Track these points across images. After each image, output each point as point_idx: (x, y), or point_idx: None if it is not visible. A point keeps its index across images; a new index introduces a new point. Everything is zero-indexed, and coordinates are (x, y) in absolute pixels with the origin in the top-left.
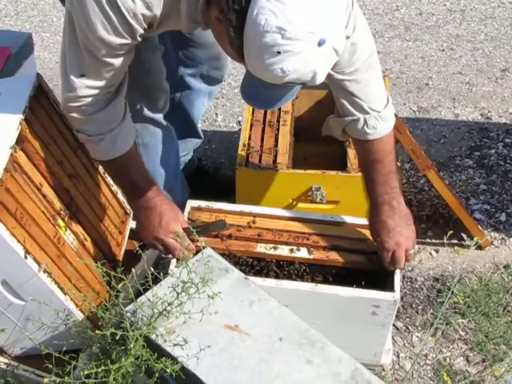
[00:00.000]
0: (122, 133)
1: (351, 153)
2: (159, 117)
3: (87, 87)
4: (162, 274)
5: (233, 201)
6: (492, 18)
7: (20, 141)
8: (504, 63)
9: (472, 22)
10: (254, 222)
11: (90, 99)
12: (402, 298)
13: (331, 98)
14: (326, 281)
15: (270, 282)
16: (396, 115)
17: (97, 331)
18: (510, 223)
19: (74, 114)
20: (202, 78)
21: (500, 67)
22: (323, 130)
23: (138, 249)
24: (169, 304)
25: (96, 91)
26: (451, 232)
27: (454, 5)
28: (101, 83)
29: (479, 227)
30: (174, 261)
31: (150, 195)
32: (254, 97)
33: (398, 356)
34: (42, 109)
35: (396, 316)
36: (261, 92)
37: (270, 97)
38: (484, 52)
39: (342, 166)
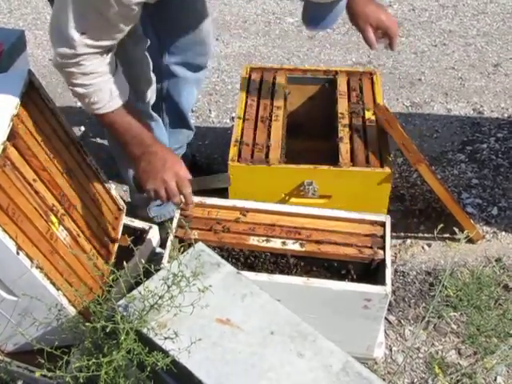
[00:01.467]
0: (117, 83)
1: (343, 148)
2: (146, 108)
3: (86, 45)
4: (153, 267)
5: (226, 196)
6: (484, 14)
7: (12, 137)
8: (496, 58)
9: (464, 18)
10: (246, 217)
11: (87, 56)
12: (394, 292)
13: (323, 94)
14: (317, 274)
15: (262, 277)
16: (388, 109)
17: (87, 323)
18: (501, 217)
19: (71, 69)
20: (188, 65)
21: (492, 62)
22: None
23: (130, 243)
24: (160, 297)
25: (95, 50)
26: (442, 226)
27: (447, 0)
28: (100, 43)
29: (471, 221)
30: (166, 255)
31: (150, 142)
32: (322, 22)
33: (391, 349)
34: (33, 105)
35: (388, 310)
36: (323, 15)
37: (331, 16)
38: (476, 47)
39: (334, 160)
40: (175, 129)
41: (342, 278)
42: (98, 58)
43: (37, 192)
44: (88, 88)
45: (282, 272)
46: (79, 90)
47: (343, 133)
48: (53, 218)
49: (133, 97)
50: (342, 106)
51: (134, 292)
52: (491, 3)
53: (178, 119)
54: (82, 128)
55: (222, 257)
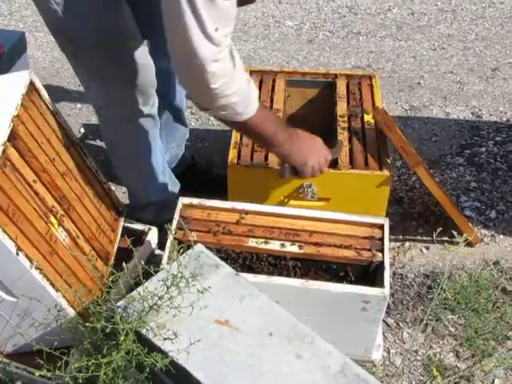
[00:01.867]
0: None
1: (342, 150)
2: (154, 113)
3: (224, 36)
4: (152, 268)
5: (225, 198)
6: (483, 18)
7: (12, 138)
8: (495, 62)
9: (463, 22)
10: (245, 219)
11: (227, 51)
12: (392, 295)
13: (322, 97)
14: (316, 276)
15: (261, 278)
16: (387, 113)
17: (87, 324)
18: (499, 220)
19: (224, 79)
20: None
21: (491, 66)
22: None
23: (129, 244)
24: (159, 298)
25: (228, 39)
26: (440, 229)
27: (446, 5)
28: (229, 29)
29: (469, 224)
30: (165, 256)
31: (288, 127)
32: None
33: (389, 352)
34: (34, 106)
35: (387, 312)
36: None
37: None
38: (475, 51)
39: (333, 163)
40: (170, 125)
41: (340, 280)
42: (232, 52)
43: (37, 193)
44: (244, 88)
45: (280, 274)
46: (234, 98)
47: (342, 136)
48: (52, 219)
49: (141, 101)
50: (341, 108)
51: (134, 293)
52: (490, 8)
53: (172, 115)
54: (82, 130)
55: (221, 258)
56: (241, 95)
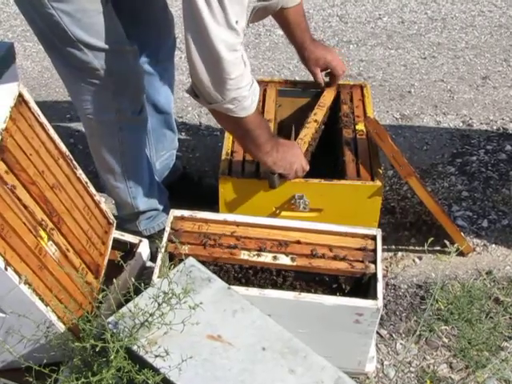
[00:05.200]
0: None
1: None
2: (143, 120)
3: (242, 30)
4: (143, 284)
5: (217, 209)
6: (472, 27)
7: (0, 151)
8: (485, 71)
9: (453, 31)
10: (237, 231)
11: (241, 42)
12: (385, 306)
13: (314, 107)
14: (308, 288)
15: (253, 292)
16: (378, 122)
17: (76, 343)
18: (491, 229)
19: (241, 67)
20: (157, 61)
21: (481, 75)
22: (252, 19)
23: (119, 259)
24: (150, 315)
25: (244, 31)
26: (432, 239)
27: (436, 13)
28: (245, 20)
29: (461, 234)
30: (156, 270)
31: (273, 135)
32: None
33: (382, 364)
34: (23, 118)
35: (380, 324)
36: None
37: None
38: (465, 60)
39: (325, 173)
40: (159, 131)
41: (333, 291)
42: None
43: (26, 206)
44: (252, 82)
45: (273, 286)
46: (244, 92)
47: (302, 141)
48: (42, 233)
49: (132, 108)
50: (319, 115)
51: (124, 309)
52: (479, 16)
53: (160, 120)
54: (72, 140)
55: (213, 271)
56: (249, 90)
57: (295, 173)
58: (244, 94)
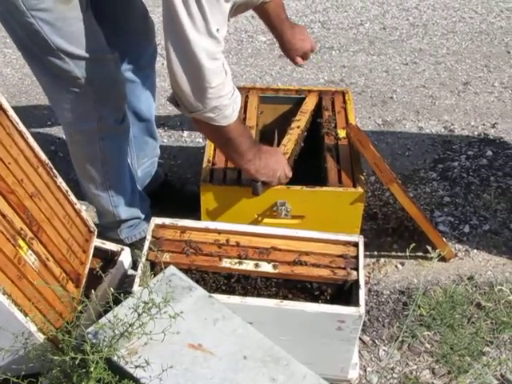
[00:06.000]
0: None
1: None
2: (125, 128)
3: (223, 38)
4: (122, 294)
5: (199, 217)
6: (453, 33)
7: None
8: (466, 77)
9: (434, 37)
10: (219, 239)
11: (222, 51)
12: (368, 312)
13: (296, 113)
14: (290, 295)
15: (235, 299)
16: (360, 129)
17: (54, 356)
18: (473, 235)
19: (221, 76)
20: (138, 68)
21: (462, 81)
22: (233, 14)
23: (98, 270)
24: (130, 325)
25: (223, 43)
26: (414, 245)
27: (417, 19)
28: (226, 29)
29: (443, 239)
30: (137, 279)
31: (255, 142)
32: None
33: (365, 370)
34: (1, 127)
35: (362, 330)
36: None
37: None
38: (446, 66)
39: (309, 179)
40: (141, 139)
41: (315, 299)
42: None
43: (4, 216)
44: (233, 91)
45: (255, 294)
46: (225, 100)
47: (285, 147)
48: (21, 242)
49: (113, 117)
50: (302, 121)
51: (103, 320)
52: (460, 22)
53: (142, 127)
54: (52, 147)
55: (195, 279)
56: (230, 99)
57: (278, 180)
58: (225, 103)
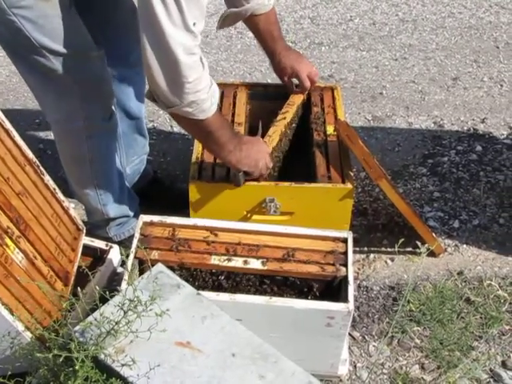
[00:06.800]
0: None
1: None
2: (113, 126)
3: (199, 33)
4: (108, 292)
5: (188, 214)
6: (443, 28)
7: None
8: (455, 72)
9: (424, 32)
10: (207, 236)
11: (200, 49)
12: (358, 308)
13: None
14: (280, 292)
15: (224, 297)
16: (349, 125)
17: (38, 354)
18: (462, 230)
19: (198, 70)
20: (128, 65)
21: (451, 76)
22: (221, 25)
23: (85, 267)
24: (116, 323)
25: (200, 37)
26: (402, 240)
27: (407, 15)
28: (202, 26)
29: (433, 235)
30: (125, 277)
31: (236, 133)
32: None
33: (355, 366)
34: None
35: (352, 326)
36: None
37: None
38: (436, 61)
39: (300, 175)
40: (130, 136)
41: (305, 295)
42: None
43: None
44: (211, 84)
45: (244, 291)
46: (203, 95)
47: (269, 138)
48: (8, 241)
49: (101, 114)
50: (289, 116)
51: (90, 318)
52: (449, 18)
53: (131, 125)
54: (41, 146)
55: (184, 277)
56: (208, 93)
57: (261, 169)
58: (203, 97)
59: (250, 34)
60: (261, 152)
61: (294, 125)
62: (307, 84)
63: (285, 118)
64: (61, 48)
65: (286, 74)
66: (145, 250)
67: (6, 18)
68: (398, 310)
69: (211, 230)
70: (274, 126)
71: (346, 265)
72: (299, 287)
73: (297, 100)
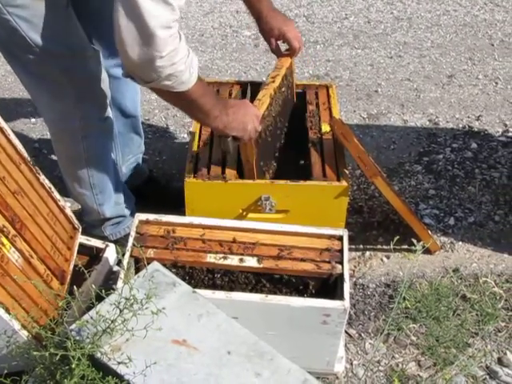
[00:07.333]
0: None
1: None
2: (109, 125)
3: (178, 6)
4: (103, 291)
5: (184, 212)
6: (438, 26)
7: None
8: (450, 69)
9: (419, 30)
10: (203, 234)
11: (177, 19)
12: (354, 305)
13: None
14: (275, 290)
15: (220, 295)
16: (343, 123)
17: (35, 353)
18: (458, 227)
19: (175, 42)
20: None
21: (446, 73)
22: None
23: (81, 266)
24: (112, 321)
25: (179, 11)
26: (398, 238)
27: (401, 13)
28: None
29: (428, 232)
30: (121, 276)
31: (220, 98)
32: None
33: (352, 363)
34: None
35: (348, 323)
36: None
37: None
38: (431, 59)
39: (291, 174)
40: (126, 136)
41: (300, 293)
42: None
43: None
44: (188, 55)
45: (240, 288)
46: (180, 66)
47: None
48: (3, 240)
49: (96, 114)
50: (276, 77)
51: (86, 317)
52: (444, 15)
53: (127, 124)
54: (36, 145)
55: (180, 275)
56: (185, 63)
57: (250, 132)
58: (180, 69)
59: (246, 33)
60: (248, 115)
61: (283, 89)
62: (296, 44)
63: (274, 81)
64: (56, 48)
65: (273, 36)
66: (140, 249)
67: (2, 17)
68: (393, 307)
69: (207, 228)
70: (263, 89)
71: (341, 262)
72: (295, 285)
73: (285, 63)
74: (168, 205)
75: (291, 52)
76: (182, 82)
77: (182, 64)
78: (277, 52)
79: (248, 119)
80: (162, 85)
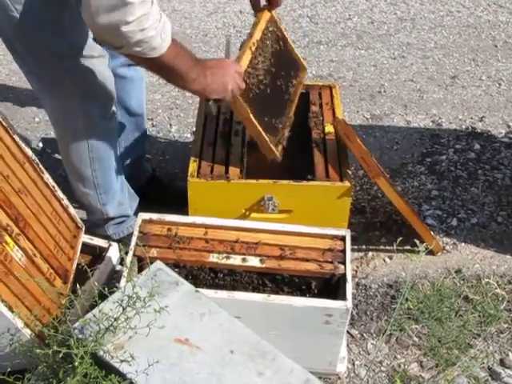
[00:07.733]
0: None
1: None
2: (113, 125)
3: None
4: (106, 289)
5: (187, 212)
6: (441, 27)
7: None
8: (453, 70)
9: (422, 31)
10: (206, 234)
11: None
12: (356, 306)
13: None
14: (278, 289)
15: (222, 294)
16: (346, 123)
17: (37, 351)
18: (461, 228)
19: (142, 12)
20: (129, 64)
21: (450, 74)
22: None
23: (84, 265)
24: (115, 319)
25: None
26: (401, 238)
27: (405, 14)
28: None
29: (431, 233)
30: (124, 275)
31: (198, 58)
32: None
33: (354, 364)
34: None
35: (351, 324)
36: None
37: None
38: (434, 60)
39: (296, 175)
40: (130, 135)
41: (303, 293)
42: None
43: None
44: (160, 19)
45: (242, 288)
46: (150, 32)
47: None
48: (7, 239)
49: (101, 114)
50: (255, 33)
51: (89, 315)
52: (447, 16)
53: (132, 123)
54: (40, 144)
55: (183, 274)
56: (156, 28)
57: (232, 92)
58: (150, 34)
59: None
60: (228, 74)
61: (267, 42)
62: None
63: (252, 37)
64: (64, 48)
65: None
66: (143, 248)
67: (9, 14)
68: (396, 307)
69: (210, 227)
70: (243, 47)
71: (344, 263)
72: (297, 285)
73: (263, 18)
74: (171, 204)
75: (270, 5)
76: (153, 47)
77: (152, 30)
78: (255, 7)
79: (228, 79)
80: (132, 51)
